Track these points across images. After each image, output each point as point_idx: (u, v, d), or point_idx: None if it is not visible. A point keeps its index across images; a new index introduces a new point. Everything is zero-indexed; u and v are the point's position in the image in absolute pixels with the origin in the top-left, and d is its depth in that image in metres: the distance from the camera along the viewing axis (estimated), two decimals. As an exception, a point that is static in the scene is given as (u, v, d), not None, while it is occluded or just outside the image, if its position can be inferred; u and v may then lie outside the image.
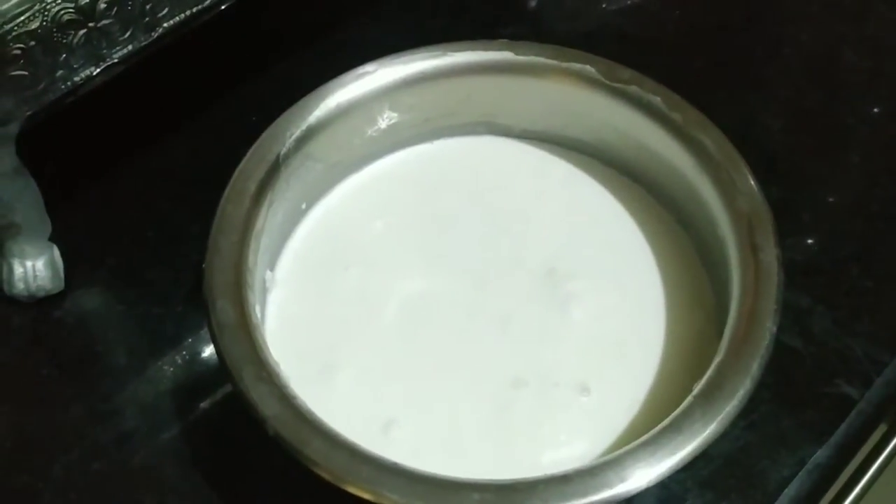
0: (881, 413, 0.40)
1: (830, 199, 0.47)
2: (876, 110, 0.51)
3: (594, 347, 0.37)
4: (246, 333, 0.32)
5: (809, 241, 0.45)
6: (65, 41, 0.36)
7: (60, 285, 0.42)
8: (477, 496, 0.28)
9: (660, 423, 0.32)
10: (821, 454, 0.39)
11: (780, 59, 0.53)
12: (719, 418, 0.30)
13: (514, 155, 0.43)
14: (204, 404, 0.40)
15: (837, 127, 0.50)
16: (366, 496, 0.29)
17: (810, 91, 0.52)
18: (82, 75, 0.37)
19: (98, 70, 0.38)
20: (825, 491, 0.38)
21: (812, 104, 0.51)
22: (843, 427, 0.39)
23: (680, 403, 0.32)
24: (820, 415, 0.40)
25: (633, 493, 0.29)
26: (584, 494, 0.29)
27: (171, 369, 0.41)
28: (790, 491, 0.38)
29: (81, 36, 0.36)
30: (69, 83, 0.37)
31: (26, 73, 0.35)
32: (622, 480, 0.29)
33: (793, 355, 0.41)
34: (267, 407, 0.30)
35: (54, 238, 0.42)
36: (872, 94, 0.51)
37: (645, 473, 0.29)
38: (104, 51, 0.37)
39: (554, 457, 0.34)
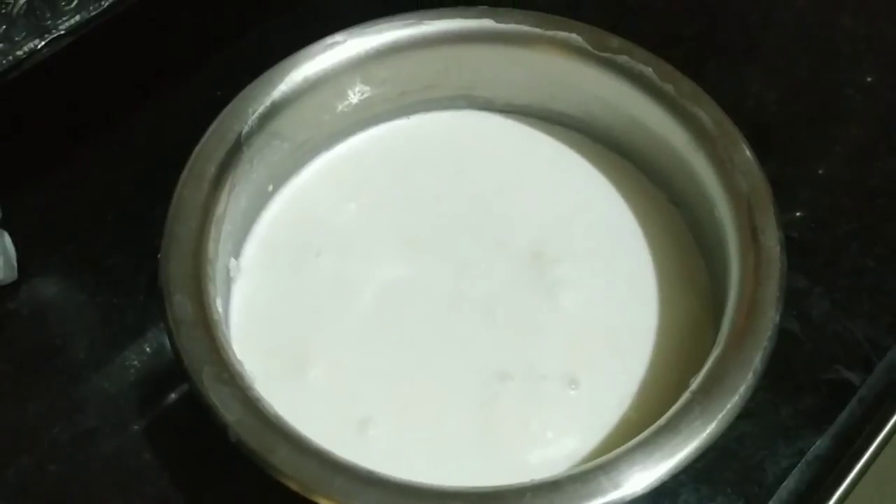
0: (883, 400, 0.39)
1: (827, 174, 0.46)
2: (873, 79, 0.49)
3: (583, 337, 0.35)
4: (205, 330, 0.30)
5: (806, 217, 0.44)
6: (3, 11, 0.33)
7: (13, 274, 0.40)
8: (459, 506, 0.26)
9: (654, 417, 0.30)
10: (820, 444, 0.37)
11: (773, 24, 0.51)
12: (720, 416, 0.28)
13: (496, 130, 0.41)
14: (169, 399, 0.38)
15: (834, 97, 0.49)
16: (338, 508, 0.27)
17: (805, 59, 0.50)
18: (25, 49, 0.35)
19: (43, 43, 0.35)
20: (825, 483, 0.37)
21: (807, 73, 0.50)
22: (843, 415, 0.38)
23: (675, 396, 0.31)
24: (819, 402, 0.38)
25: (628, 499, 0.27)
26: (576, 502, 0.26)
27: (135, 363, 0.39)
28: (789, 483, 0.36)
29: (22, 5, 0.34)
30: (11, 57, 0.35)
31: (-38, 46, 0.33)
32: (616, 487, 0.27)
33: (790, 340, 0.39)
34: (228, 411, 0.28)
35: (5, 224, 0.40)
36: (870, 62, 0.50)
37: (641, 478, 0.27)
38: (48, 21, 0.35)
39: (542, 455, 0.32)
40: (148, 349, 0.39)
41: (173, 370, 0.38)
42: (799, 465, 0.37)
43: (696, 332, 0.35)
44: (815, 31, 0.51)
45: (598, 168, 0.40)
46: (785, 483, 0.36)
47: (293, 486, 0.27)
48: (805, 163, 0.46)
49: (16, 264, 0.40)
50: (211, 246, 0.32)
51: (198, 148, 0.34)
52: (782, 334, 0.38)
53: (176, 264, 0.31)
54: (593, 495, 0.27)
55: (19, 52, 0.35)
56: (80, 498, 0.35)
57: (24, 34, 0.34)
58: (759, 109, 0.47)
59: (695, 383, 0.30)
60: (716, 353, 0.30)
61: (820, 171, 0.45)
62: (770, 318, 0.30)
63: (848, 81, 0.49)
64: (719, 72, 0.49)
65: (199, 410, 0.37)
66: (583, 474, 0.27)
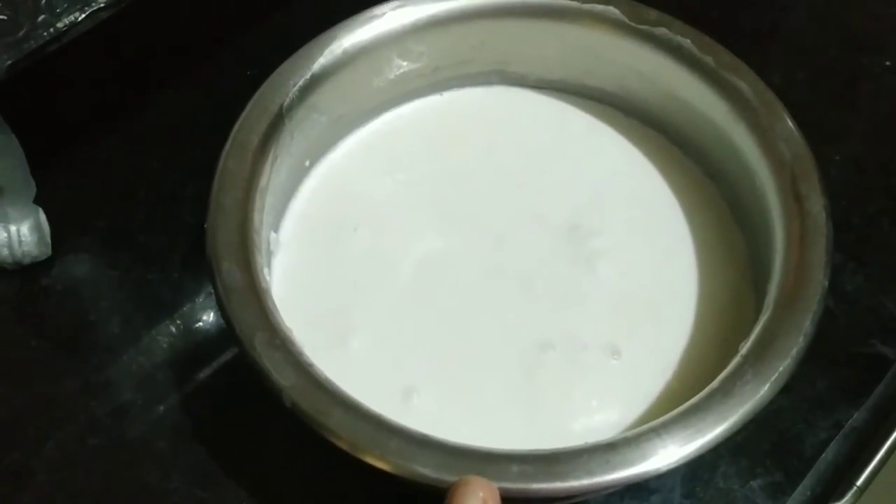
0: (919, 373, 0.39)
1: (856, 152, 0.46)
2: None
3: (623, 307, 0.35)
4: (255, 298, 0.30)
5: (837, 195, 0.43)
6: (46, -19, 0.33)
7: (47, 251, 0.40)
8: (516, 468, 0.26)
9: (696, 385, 0.30)
10: (857, 417, 0.37)
11: (798, 5, 0.51)
12: (772, 379, 0.29)
13: (528, 106, 0.41)
14: (203, 374, 0.38)
15: (860, 78, 0.49)
16: (393, 470, 0.27)
17: (831, 40, 0.50)
18: (66, 21, 0.35)
19: (83, 15, 0.35)
20: (863, 454, 0.37)
21: (833, 54, 0.49)
22: (879, 388, 0.38)
23: (717, 364, 0.31)
24: (855, 376, 0.38)
25: (683, 461, 0.27)
26: (631, 464, 0.27)
27: (168, 338, 0.39)
28: (827, 456, 0.36)
29: (64, -24, 0.33)
30: (52, 29, 0.34)
31: (5, 17, 0.33)
32: (670, 449, 0.27)
33: (826, 314, 0.39)
34: (282, 376, 0.28)
35: (39, 200, 0.39)
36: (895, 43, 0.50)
37: (695, 441, 0.27)
38: (90, -7, 0.35)
39: (586, 423, 0.32)
40: (182, 324, 0.39)
41: (207, 344, 0.39)
42: (836, 437, 0.37)
43: (735, 302, 0.35)
44: (840, 12, 0.51)
45: (633, 142, 0.40)
46: (823, 455, 0.36)
47: (348, 448, 0.27)
48: (833, 142, 0.46)
49: (49, 241, 0.40)
50: (256, 216, 0.32)
51: (241, 119, 0.34)
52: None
53: (223, 233, 0.31)
54: (647, 456, 0.27)
55: (60, 24, 0.34)
56: (119, 470, 0.35)
57: (65, 5, 0.34)
58: (786, 90, 0.47)
59: (745, 347, 0.30)
60: (765, 317, 0.30)
61: (848, 150, 0.45)
62: (818, 281, 0.30)
63: (874, 62, 0.49)
64: (744, 53, 0.49)
65: (232, 383, 0.37)
66: (637, 436, 0.27)
